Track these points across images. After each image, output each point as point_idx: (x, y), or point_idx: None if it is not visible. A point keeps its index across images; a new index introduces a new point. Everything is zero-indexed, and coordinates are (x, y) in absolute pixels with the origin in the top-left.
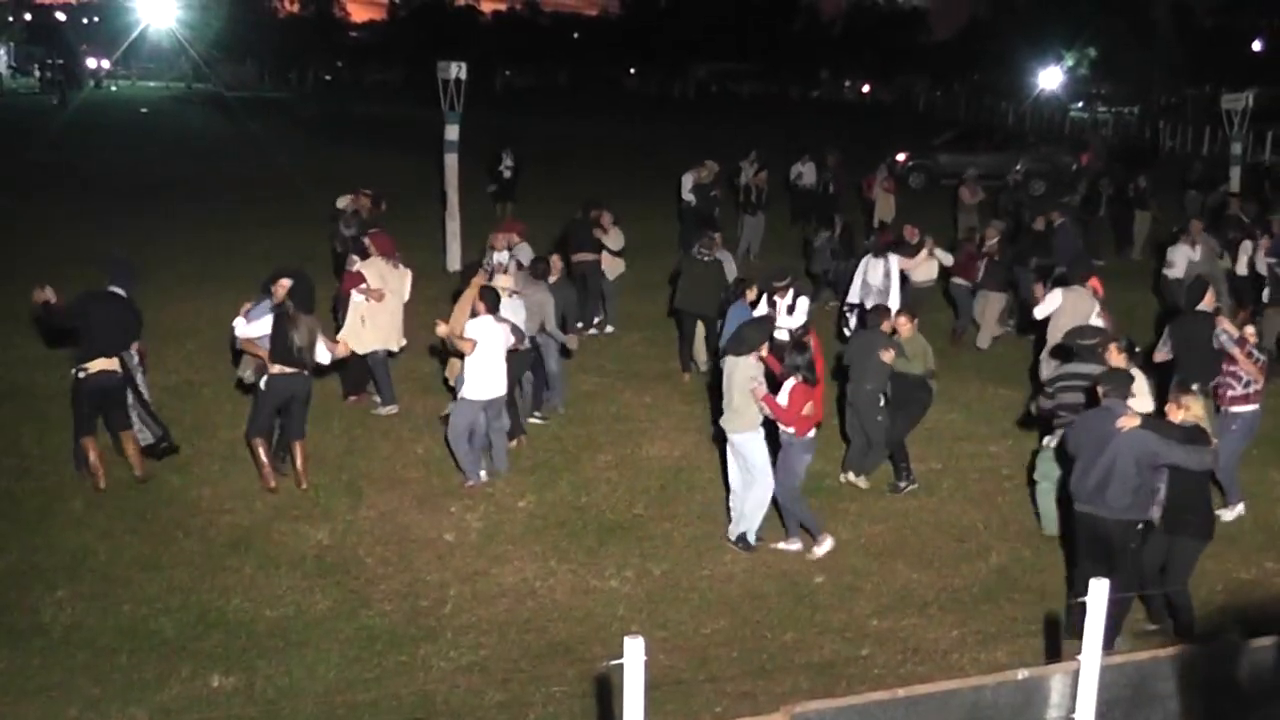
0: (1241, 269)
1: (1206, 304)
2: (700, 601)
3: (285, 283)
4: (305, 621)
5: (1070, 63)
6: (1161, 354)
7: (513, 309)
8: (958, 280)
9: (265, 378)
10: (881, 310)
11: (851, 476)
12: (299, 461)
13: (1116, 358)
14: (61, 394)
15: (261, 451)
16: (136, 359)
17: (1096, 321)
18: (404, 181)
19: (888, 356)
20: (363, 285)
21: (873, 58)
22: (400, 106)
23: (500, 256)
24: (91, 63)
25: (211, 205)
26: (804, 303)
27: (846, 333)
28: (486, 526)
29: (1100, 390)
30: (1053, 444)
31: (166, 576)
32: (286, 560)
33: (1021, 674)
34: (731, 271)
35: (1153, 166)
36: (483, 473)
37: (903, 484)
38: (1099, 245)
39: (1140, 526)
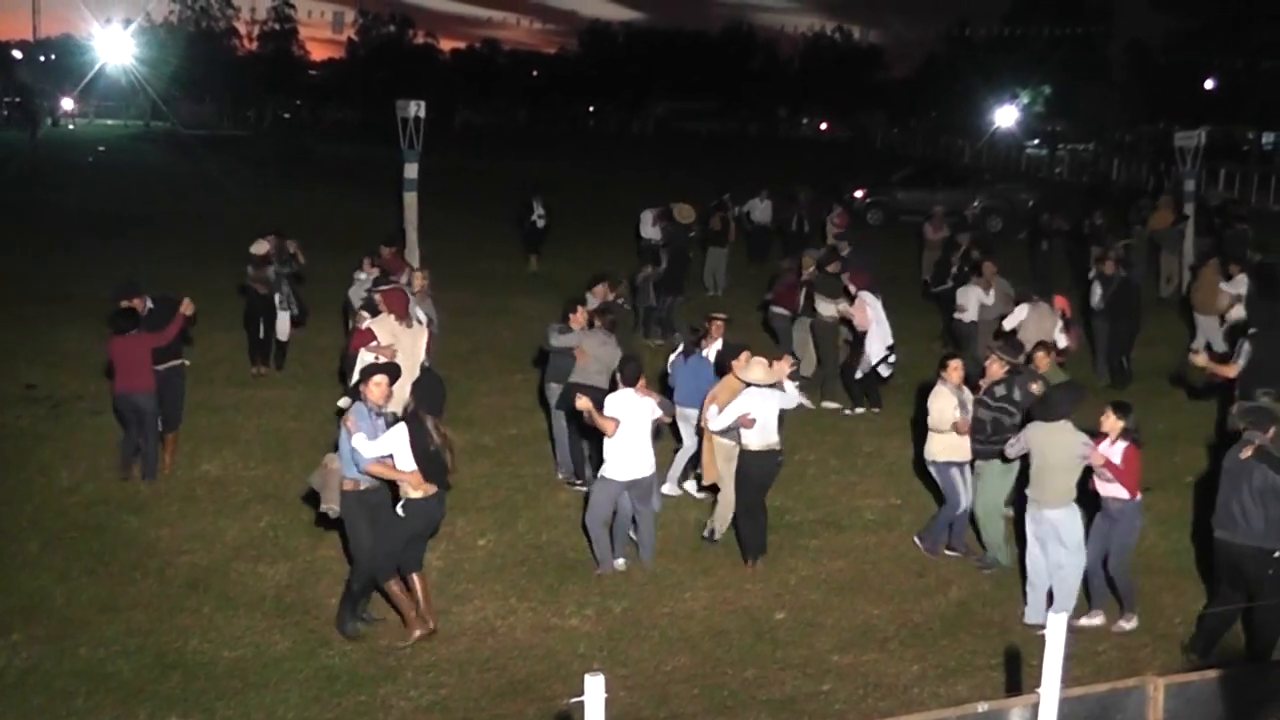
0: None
1: None
2: (661, 639)
3: (381, 380)
4: (264, 662)
5: (1026, 100)
6: (1235, 367)
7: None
8: (777, 309)
9: (404, 502)
10: (1016, 344)
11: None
12: (421, 599)
13: (954, 373)
14: (17, 434)
15: (399, 591)
16: None
17: (1060, 337)
18: (361, 220)
19: (1037, 388)
20: (372, 343)
21: (830, 95)
22: (359, 145)
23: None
24: (68, 104)
25: (166, 243)
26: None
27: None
28: (446, 565)
29: (1241, 425)
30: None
31: (124, 618)
32: (245, 601)
33: (981, 707)
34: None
35: (1106, 202)
36: (619, 561)
37: None
38: (1050, 279)
39: (1277, 555)
